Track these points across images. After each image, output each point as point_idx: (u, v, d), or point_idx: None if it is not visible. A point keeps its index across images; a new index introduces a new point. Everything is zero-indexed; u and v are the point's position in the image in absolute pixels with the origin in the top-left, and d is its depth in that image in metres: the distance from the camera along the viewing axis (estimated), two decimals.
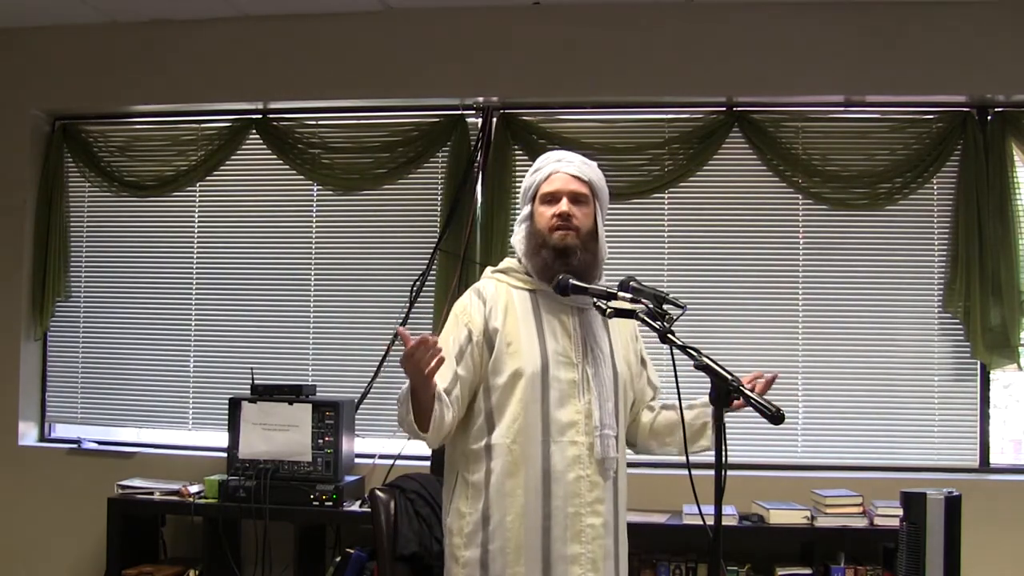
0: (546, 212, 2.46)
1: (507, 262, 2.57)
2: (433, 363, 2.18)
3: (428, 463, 3.88)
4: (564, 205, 2.46)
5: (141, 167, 4.76)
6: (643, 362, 2.66)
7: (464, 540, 2.40)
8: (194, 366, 4.69)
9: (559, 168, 2.50)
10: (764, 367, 4.18)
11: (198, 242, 4.72)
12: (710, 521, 2.15)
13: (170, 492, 4.19)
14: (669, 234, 4.41)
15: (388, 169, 4.54)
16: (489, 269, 2.61)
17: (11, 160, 4.72)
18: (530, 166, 2.50)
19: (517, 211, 4.33)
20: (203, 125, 4.73)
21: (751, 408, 2.08)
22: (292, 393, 4.17)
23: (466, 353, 2.41)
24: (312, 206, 4.67)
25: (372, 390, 4.44)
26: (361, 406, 4.42)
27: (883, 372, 4.26)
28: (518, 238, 2.51)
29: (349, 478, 4.18)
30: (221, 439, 4.34)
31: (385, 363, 4.42)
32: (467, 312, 2.45)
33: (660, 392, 2.72)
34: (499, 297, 2.46)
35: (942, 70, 4.17)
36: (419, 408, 2.27)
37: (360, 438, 4.39)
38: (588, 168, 2.53)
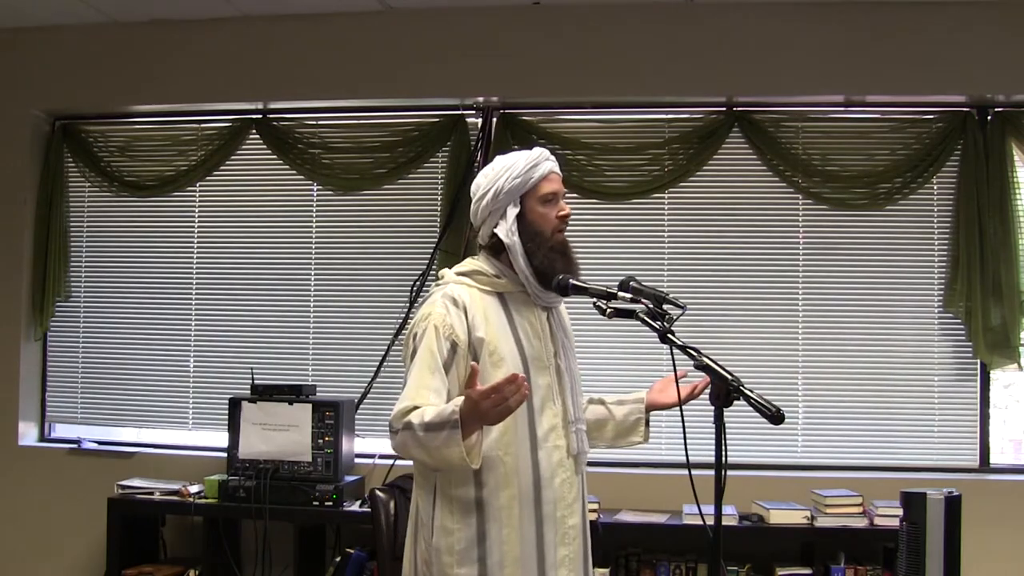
0: (549, 213, 2.41)
1: (471, 264, 2.46)
2: (519, 401, 2.08)
3: None
4: (567, 207, 2.44)
5: (141, 167, 4.76)
6: None
7: (457, 557, 2.31)
8: (194, 366, 4.69)
9: (554, 168, 2.46)
10: (764, 367, 4.26)
11: (198, 242, 4.72)
12: (710, 521, 2.15)
13: (170, 492, 4.19)
14: (669, 234, 4.41)
15: (388, 169, 4.54)
16: (451, 273, 2.47)
17: (11, 160, 4.72)
18: None
19: None
20: (203, 125, 4.73)
21: (750, 408, 2.07)
22: (292, 393, 4.17)
23: (451, 367, 2.30)
24: (312, 206, 4.67)
25: (372, 390, 4.44)
26: (361, 406, 4.42)
27: (883, 372, 4.26)
28: (515, 239, 2.37)
29: (349, 478, 4.18)
30: (221, 439, 4.34)
31: (385, 363, 4.43)
32: (447, 324, 2.31)
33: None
34: (475, 304, 2.36)
35: (942, 70, 4.17)
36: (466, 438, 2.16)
37: (360, 438, 4.39)
38: None
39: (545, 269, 2.39)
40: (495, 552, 2.31)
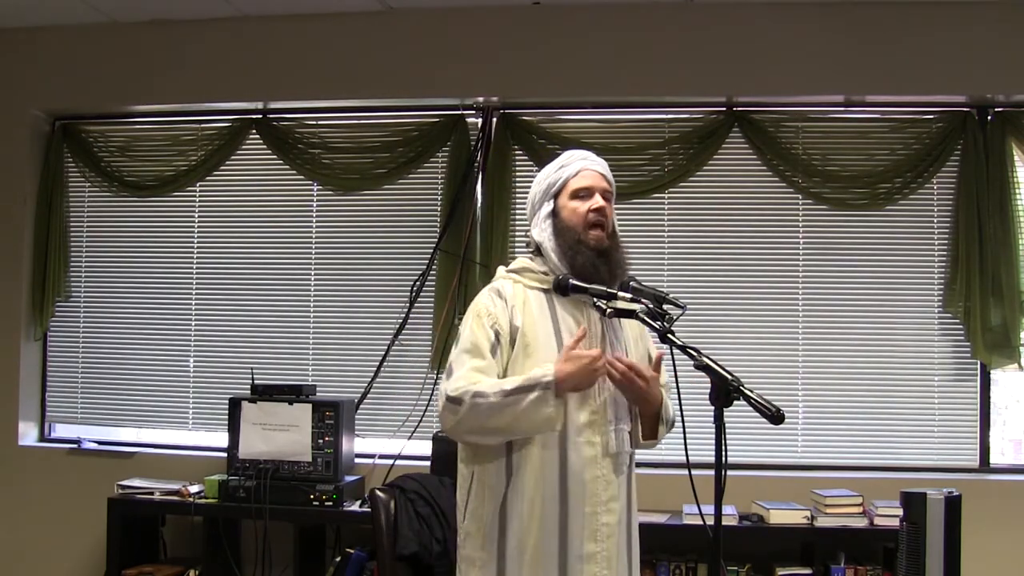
0: (579, 207, 2.45)
1: (521, 262, 2.54)
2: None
3: (428, 463, 3.89)
4: (600, 200, 2.46)
5: (141, 167, 4.76)
6: (651, 359, 2.61)
7: (480, 540, 2.40)
8: (194, 366, 4.69)
9: (587, 165, 2.50)
10: (764, 367, 4.26)
11: (198, 242, 4.72)
12: (710, 521, 2.15)
13: (170, 492, 4.18)
14: (669, 234, 4.41)
15: (388, 169, 4.54)
16: (503, 269, 2.57)
17: (11, 160, 4.72)
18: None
19: (518, 211, 4.37)
20: (203, 125, 4.73)
21: (750, 408, 2.07)
22: (292, 393, 4.16)
23: (496, 353, 2.38)
24: (312, 206, 4.67)
25: (372, 390, 4.44)
26: (361, 406, 4.42)
27: (883, 372, 4.26)
28: (545, 235, 2.46)
29: (349, 478, 4.18)
30: (221, 439, 4.34)
31: (385, 363, 4.43)
32: (492, 314, 2.41)
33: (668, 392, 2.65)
34: (517, 297, 2.44)
35: (942, 70, 4.17)
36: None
37: (360, 438, 4.39)
38: (608, 168, 2.55)
39: (573, 265, 2.42)
40: (515, 538, 2.36)
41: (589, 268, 2.40)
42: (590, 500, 2.37)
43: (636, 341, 2.56)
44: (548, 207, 2.48)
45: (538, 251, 2.51)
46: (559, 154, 2.58)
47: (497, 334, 2.39)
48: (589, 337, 2.42)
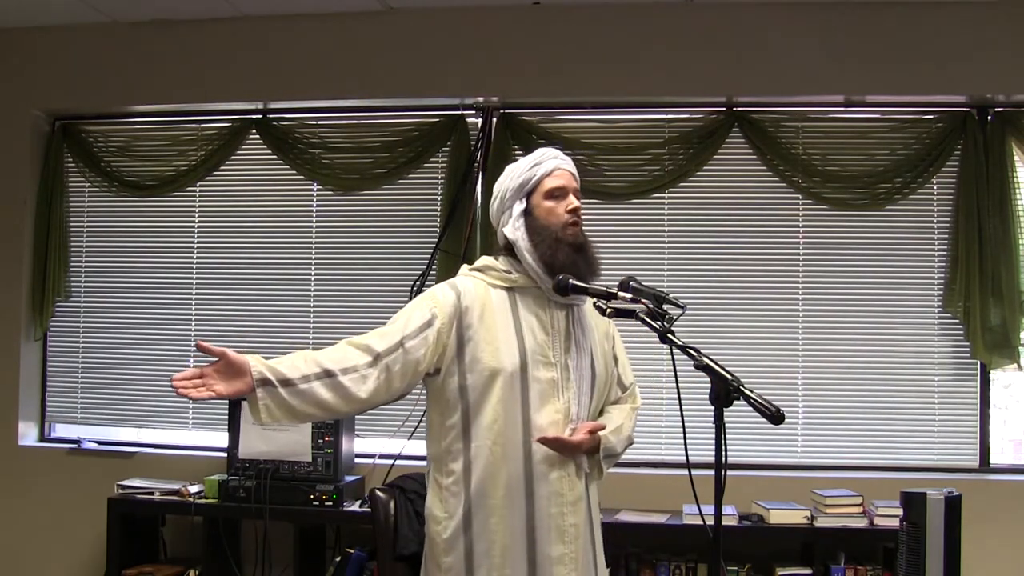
0: (556, 207, 2.44)
1: (485, 260, 2.52)
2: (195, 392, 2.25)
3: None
4: (575, 200, 2.46)
5: (141, 167, 4.76)
6: (615, 360, 2.61)
7: (444, 546, 2.37)
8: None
9: (560, 165, 2.49)
10: (764, 367, 4.26)
11: (198, 242, 4.72)
12: (710, 521, 2.15)
13: (170, 492, 4.19)
14: (669, 234, 4.41)
15: (388, 169, 4.54)
16: (466, 267, 2.56)
17: (11, 160, 4.72)
18: None
19: None
20: (203, 125, 4.73)
21: (750, 408, 2.07)
22: None
23: (420, 335, 2.35)
24: (312, 206, 4.67)
25: None
26: None
27: (883, 372, 4.26)
28: (519, 234, 2.43)
29: (349, 478, 4.19)
30: (221, 439, 4.34)
31: None
32: (436, 299, 2.40)
33: (634, 391, 2.65)
34: (476, 295, 2.42)
35: (942, 70, 4.17)
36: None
37: (360, 438, 4.39)
38: (575, 167, 2.56)
39: (552, 263, 2.40)
40: (481, 541, 2.35)
41: (569, 264, 2.39)
42: (556, 500, 2.36)
43: (602, 341, 2.55)
44: (520, 206, 2.45)
45: (507, 249, 2.48)
46: None
47: (432, 318, 2.36)
48: (553, 334, 2.42)
